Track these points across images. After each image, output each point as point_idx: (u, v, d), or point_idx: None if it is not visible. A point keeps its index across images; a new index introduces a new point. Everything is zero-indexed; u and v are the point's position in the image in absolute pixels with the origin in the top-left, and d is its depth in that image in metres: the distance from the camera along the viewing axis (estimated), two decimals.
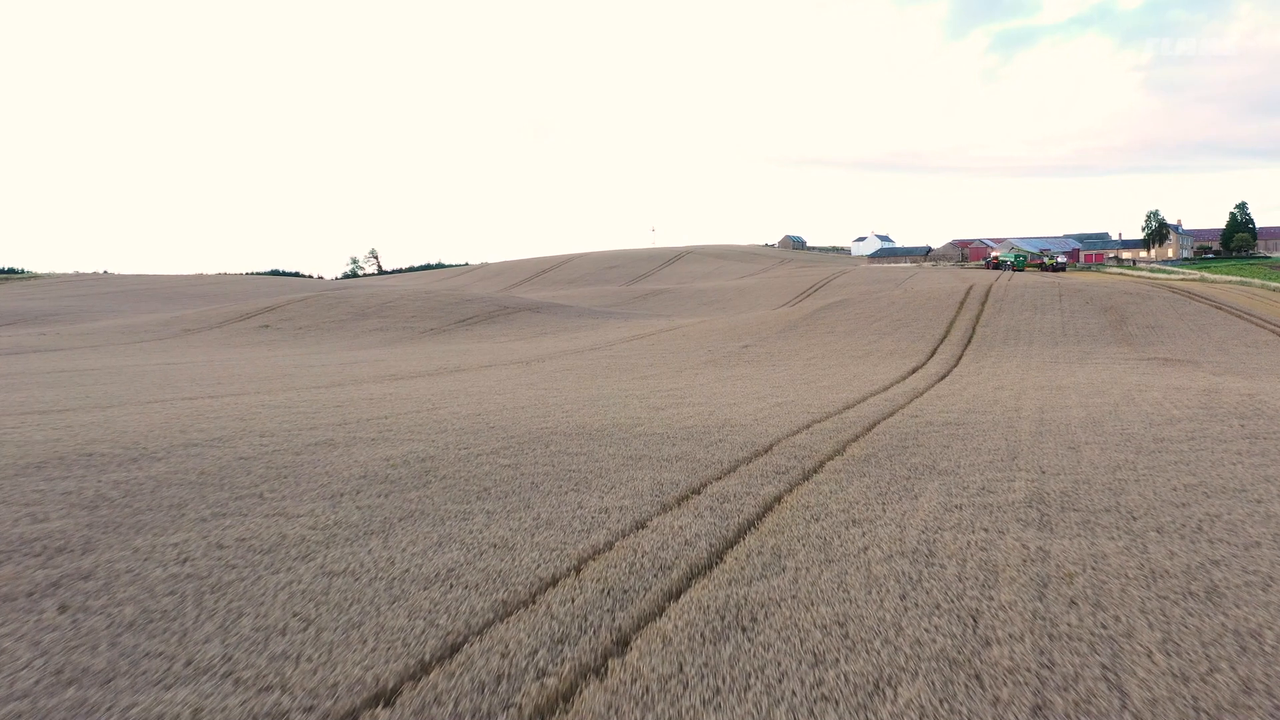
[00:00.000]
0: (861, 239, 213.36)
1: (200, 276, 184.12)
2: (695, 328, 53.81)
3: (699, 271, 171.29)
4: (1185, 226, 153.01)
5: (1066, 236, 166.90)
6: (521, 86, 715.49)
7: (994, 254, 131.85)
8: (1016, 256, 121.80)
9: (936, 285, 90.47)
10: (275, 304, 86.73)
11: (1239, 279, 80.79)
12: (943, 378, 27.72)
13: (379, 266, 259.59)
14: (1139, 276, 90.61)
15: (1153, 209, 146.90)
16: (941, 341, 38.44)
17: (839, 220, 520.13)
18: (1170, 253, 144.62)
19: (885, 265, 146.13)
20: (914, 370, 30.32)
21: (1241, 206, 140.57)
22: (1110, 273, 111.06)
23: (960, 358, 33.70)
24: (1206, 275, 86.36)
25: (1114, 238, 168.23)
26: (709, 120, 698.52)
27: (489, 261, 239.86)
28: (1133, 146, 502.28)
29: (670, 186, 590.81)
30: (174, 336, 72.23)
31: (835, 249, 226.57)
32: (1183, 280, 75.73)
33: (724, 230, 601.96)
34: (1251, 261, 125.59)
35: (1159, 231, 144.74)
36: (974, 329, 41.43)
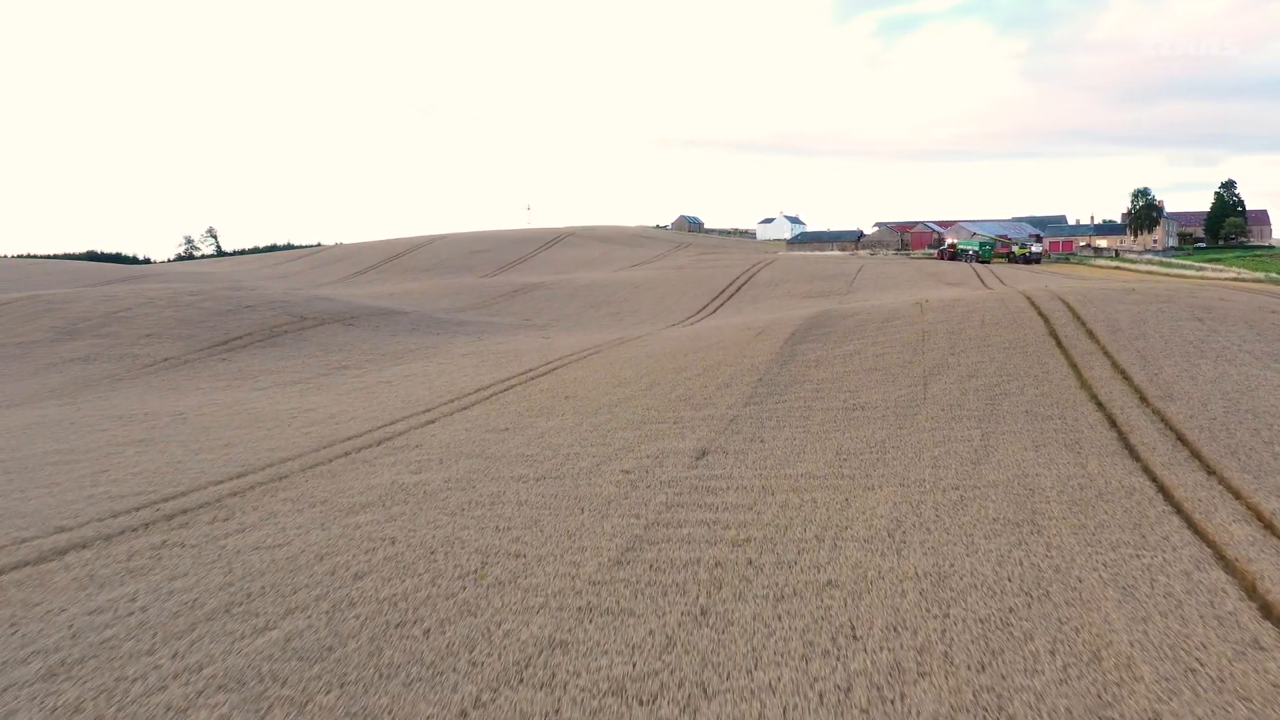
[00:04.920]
0: (768, 220, 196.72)
1: None
2: (585, 379, 32.95)
3: (581, 258, 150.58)
4: (1165, 209, 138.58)
5: (1017, 219, 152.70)
6: (400, 58, 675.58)
7: (949, 241, 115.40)
8: (982, 244, 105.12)
9: (923, 288, 72.05)
10: None
11: None
12: None
13: (218, 247, 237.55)
14: (1190, 275, 73.64)
15: (1140, 187, 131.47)
16: (1121, 438, 18.86)
17: (730, 201, 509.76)
18: (1155, 240, 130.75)
19: (815, 254, 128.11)
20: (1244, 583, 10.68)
21: (1228, 186, 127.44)
22: (1103, 266, 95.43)
23: (1261, 514, 14.07)
24: (1272, 274, 71.14)
25: (1071, 221, 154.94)
26: (590, 96, 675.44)
27: (344, 242, 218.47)
28: (1010, 132, 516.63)
29: (548, 163, 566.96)
30: None
31: (738, 231, 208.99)
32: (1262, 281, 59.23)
33: (608, 211, 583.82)
34: (1256, 253, 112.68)
35: (1147, 214, 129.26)
36: (1141, 396, 22.02)
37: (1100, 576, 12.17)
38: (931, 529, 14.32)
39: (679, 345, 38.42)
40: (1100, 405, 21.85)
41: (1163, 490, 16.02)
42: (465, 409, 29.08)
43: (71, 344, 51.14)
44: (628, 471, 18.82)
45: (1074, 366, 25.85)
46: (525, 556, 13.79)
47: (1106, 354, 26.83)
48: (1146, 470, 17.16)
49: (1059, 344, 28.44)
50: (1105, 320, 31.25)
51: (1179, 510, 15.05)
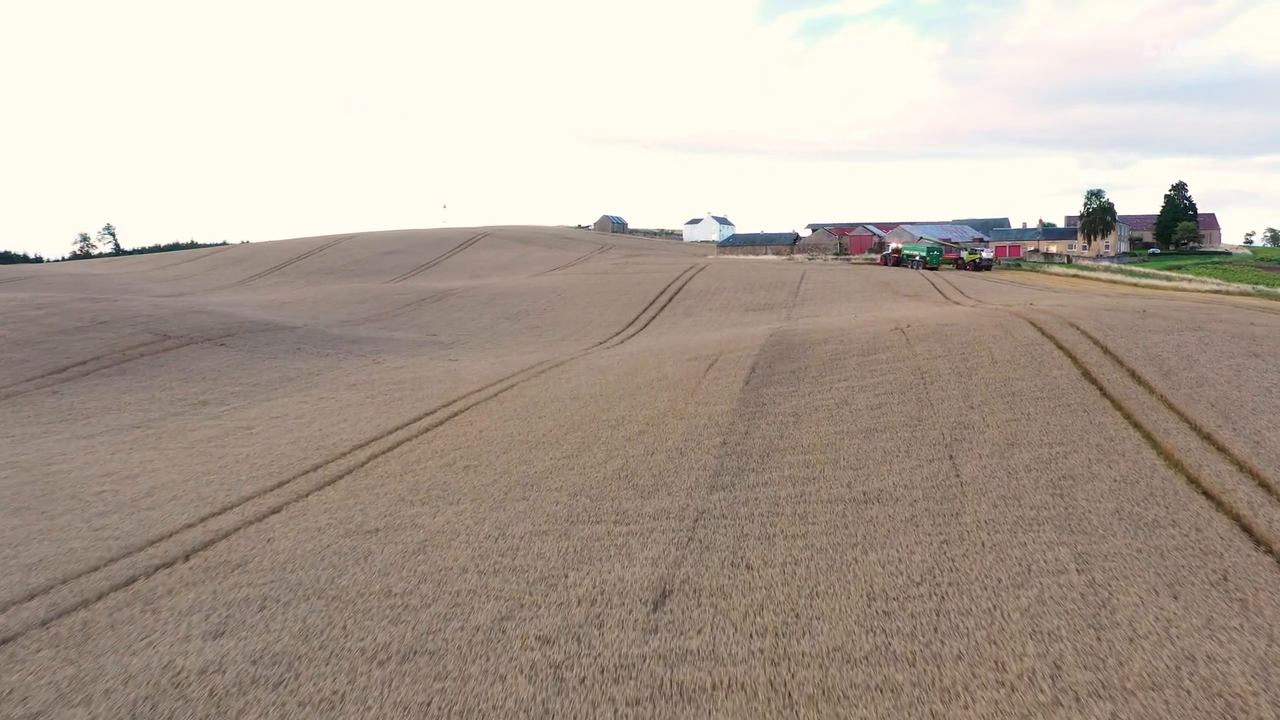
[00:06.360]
0: (695, 221, 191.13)
1: None
2: (492, 435, 25.87)
3: (498, 260, 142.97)
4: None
5: (957, 222, 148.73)
6: (319, 53, 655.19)
7: (893, 245, 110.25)
8: (930, 249, 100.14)
9: (878, 300, 66.38)
10: None
11: None
12: None
13: (116, 245, 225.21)
14: (1164, 287, 68.66)
15: (1094, 188, 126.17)
16: None
17: (655, 201, 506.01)
18: (1108, 245, 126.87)
19: (749, 258, 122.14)
20: None
21: (1179, 188, 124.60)
22: (1060, 274, 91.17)
23: None
24: (1260, 286, 66.74)
25: (1016, 224, 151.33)
26: (511, 92, 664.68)
27: (250, 241, 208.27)
28: (929, 133, 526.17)
29: (467, 160, 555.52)
30: None
31: (664, 232, 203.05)
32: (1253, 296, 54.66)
33: (528, 210, 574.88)
34: (1214, 259, 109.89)
35: (1101, 218, 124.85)
36: (1262, 482, 16.04)
37: None
38: None
39: (611, 381, 31.70)
40: (1215, 501, 15.72)
41: None
42: (330, 483, 21.93)
43: None
44: (547, 642, 12.01)
45: (1138, 427, 19.82)
46: None
47: (1172, 408, 20.88)
48: None
49: (1103, 392, 22.46)
50: (1145, 356, 25.46)
51: None
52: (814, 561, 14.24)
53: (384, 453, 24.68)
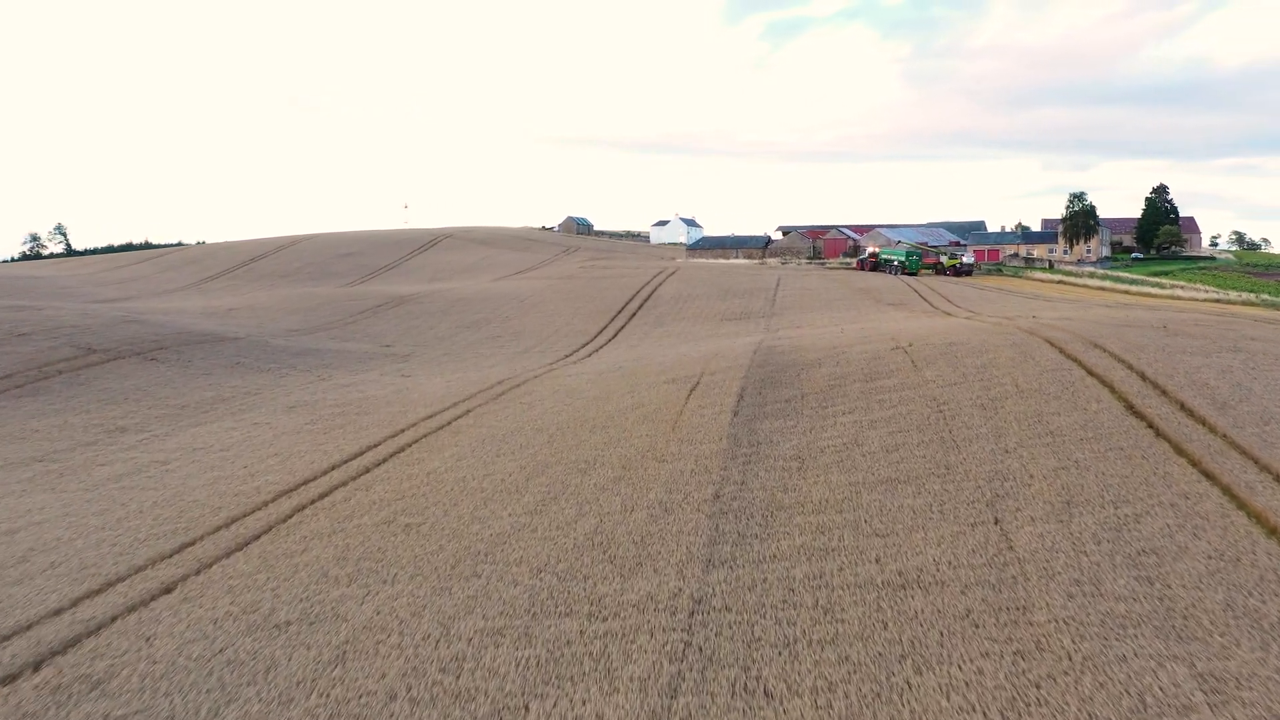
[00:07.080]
0: (663, 223, 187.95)
1: None
2: (443, 478, 22.12)
3: (460, 263, 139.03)
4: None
5: (933, 225, 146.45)
6: (279, 49, 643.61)
7: (870, 249, 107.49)
8: (909, 254, 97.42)
9: (862, 310, 63.30)
10: None
11: None
12: None
13: (67, 245, 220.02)
14: (1159, 295, 65.99)
15: (1076, 190, 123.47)
16: None
17: (621, 202, 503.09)
18: (1089, 249, 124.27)
19: (721, 262, 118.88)
20: None
21: (1160, 191, 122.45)
22: (1044, 280, 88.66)
23: None
24: (1264, 295, 64.26)
25: (994, 228, 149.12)
26: (474, 91, 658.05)
27: (207, 241, 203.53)
28: (893, 135, 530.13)
29: (429, 160, 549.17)
30: None
31: (630, 234, 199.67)
32: None
33: (492, 211, 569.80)
34: (1199, 264, 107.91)
35: (1084, 221, 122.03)
36: None
37: None
38: None
39: (580, 409, 28.24)
40: None
41: None
42: (241, 547, 18.26)
43: None
44: None
45: (1211, 478, 16.66)
46: None
47: (1245, 453, 17.75)
48: None
49: (1157, 432, 19.30)
50: (1191, 385, 22.41)
51: None
52: (853, 686, 10.87)
53: (313, 502, 21.04)
